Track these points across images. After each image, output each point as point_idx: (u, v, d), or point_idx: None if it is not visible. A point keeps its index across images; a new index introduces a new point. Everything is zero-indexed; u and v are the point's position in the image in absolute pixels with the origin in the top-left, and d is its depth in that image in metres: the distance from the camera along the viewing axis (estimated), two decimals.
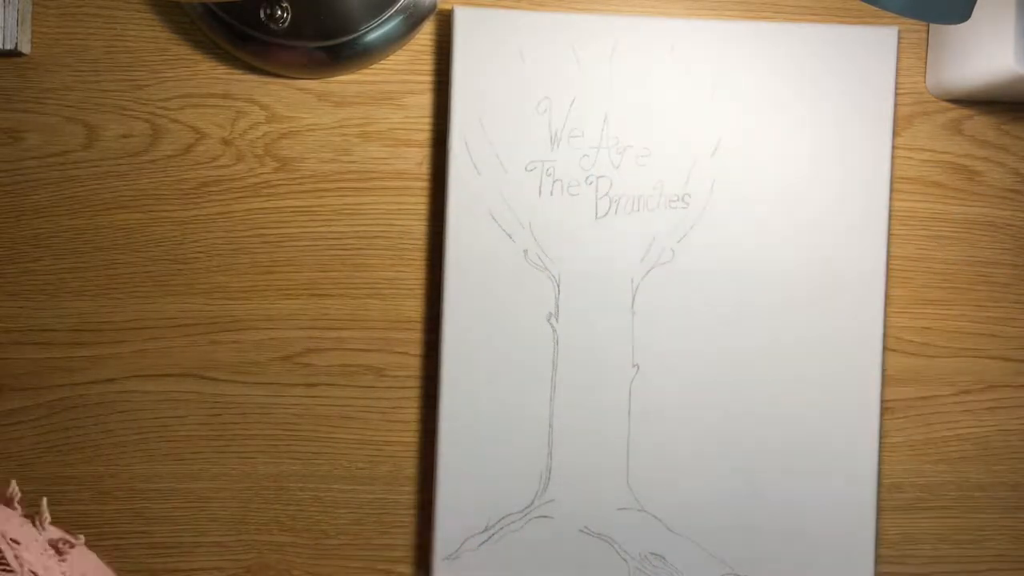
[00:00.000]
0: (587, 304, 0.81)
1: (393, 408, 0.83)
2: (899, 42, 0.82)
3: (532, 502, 0.81)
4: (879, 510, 0.83)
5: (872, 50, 0.82)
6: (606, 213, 0.81)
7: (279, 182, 0.82)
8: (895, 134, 0.84)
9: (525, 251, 0.80)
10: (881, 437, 0.84)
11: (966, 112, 0.85)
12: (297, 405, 0.83)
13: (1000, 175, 0.85)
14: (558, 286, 0.81)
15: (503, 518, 0.81)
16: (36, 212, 0.82)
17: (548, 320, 0.81)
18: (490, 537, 0.80)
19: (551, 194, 0.81)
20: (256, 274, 0.82)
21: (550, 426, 0.81)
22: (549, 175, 0.81)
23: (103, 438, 0.82)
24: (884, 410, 0.85)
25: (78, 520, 0.82)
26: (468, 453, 0.80)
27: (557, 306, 0.81)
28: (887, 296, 0.84)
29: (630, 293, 0.81)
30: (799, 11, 0.84)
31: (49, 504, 0.82)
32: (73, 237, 0.82)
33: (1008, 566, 0.85)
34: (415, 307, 0.83)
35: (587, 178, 0.81)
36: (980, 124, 0.85)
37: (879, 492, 0.82)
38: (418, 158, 0.83)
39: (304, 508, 0.83)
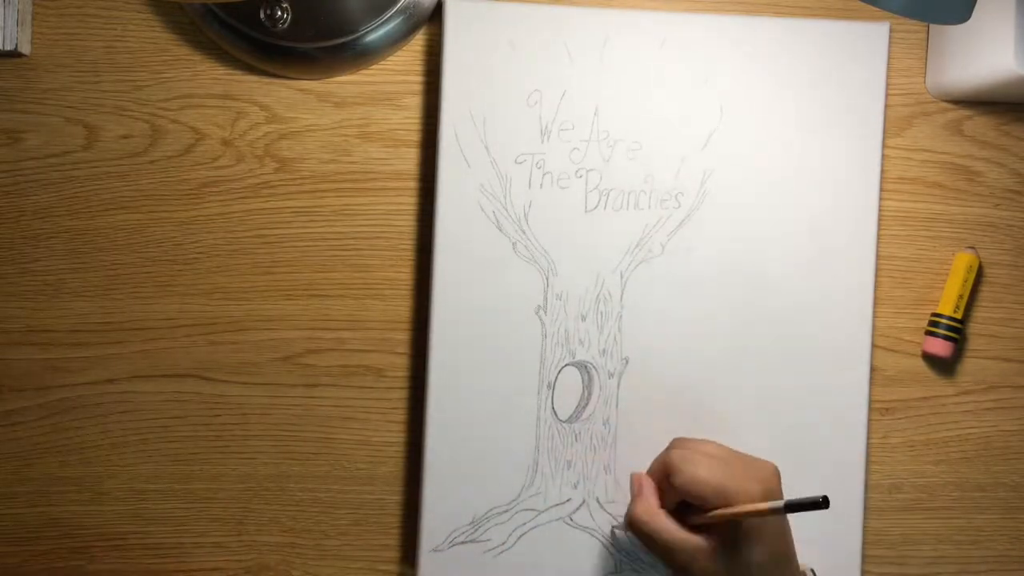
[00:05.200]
0: (576, 297, 0.81)
1: (393, 408, 0.83)
2: (891, 37, 0.82)
3: (519, 495, 0.81)
4: (867, 507, 0.83)
5: (864, 46, 0.82)
6: (596, 206, 0.81)
7: (279, 183, 0.82)
8: (894, 134, 0.85)
9: (514, 244, 0.81)
10: (871, 437, 0.84)
11: (966, 112, 0.85)
12: (297, 406, 0.83)
13: (1000, 175, 0.85)
14: (547, 279, 0.81)
15: (489, 511, 0.81)
16: (36, 212, 0.82)
17: (536, 313, 0.81)
18: (476, 530, 0.81)
19: (541, 187, 0.81)
20: (256, 275, 0.83)
21: (538, 419, 0.81)
22: (539, 168, 0.81)
23: (103, 438, 0.82)
24: (884, 410, 0.85)
25: (78, 520, 0.82)
26: (455, 446, 0.80)
27: (545, 299, 0.81)
28: (878, 297, 0.84)
29: (619, 287, 0.81)
30: (791, 6, 0.84)
31: (49, 504, 0.82)
32: (73, 237, 0.82)
33: (1008, 566, 0.85)
34: (412, 306, 0.83)
35: (577, 171, 0.81)
36: (980, 124, 0.85)
37: (867, 490, 0.82)
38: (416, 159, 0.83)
39: (304, 508, 0.83)
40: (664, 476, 0.76)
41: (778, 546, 0.73)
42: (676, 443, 0.78)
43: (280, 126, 0.82)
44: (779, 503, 0.69)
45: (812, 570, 0.76)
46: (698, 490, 0.73)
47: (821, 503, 0.65)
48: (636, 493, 0.78)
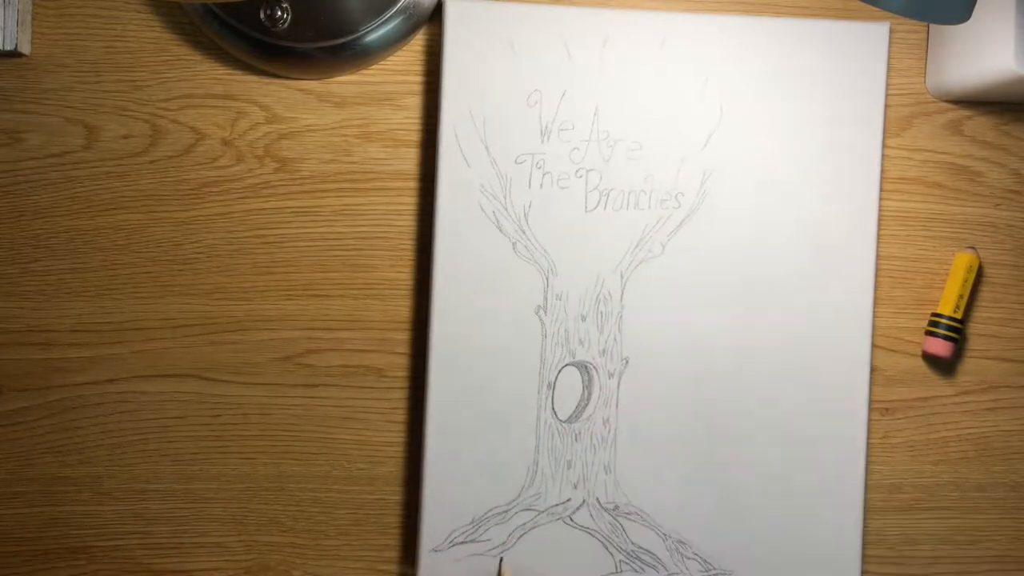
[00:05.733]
0: (576, 297, 0.81)
1: (393, 408, 0.83)
2: (891, 37, 0.82)
3: (519, 495, 0.81)
4: (867, 507, 0.83)
5: (864, 46, 0.82)
6: (596, 206, 0.81)
7: (279, 183, 0.82)
8: (894, 134, 0.85)
9: (514, 244, 0.81)
10: (871, 437, 0.84)
11: (966, 112, 0.85)
12: (297, 406, 0.83)
13: (1000, 175, 0.85)
14: (547, 279, 0.81)
15: (489, 511, 0.81)
16: (36, 213, 0.82)
17: (536, 313, 0.81)
18: (476, 530, 0.81)
19: (541, 187, 0.81)
20: (256, 275, 0.83)
21: (538, 419, 0.81)
22: (539, 168, 0.81)
23: (103, 438, 0.82)
24: (884, 410, 0.85)
25: (78, 520, 0.82)
26: (455, 446, 0.80)
27: (545, 299, 0.81)
28: (878, 297, 0.84)
29: (619, 287, 0.81)
30: (791, 6, 0.84)
31: (49, 504, 0.82)
32: (73, 237, 0.82)
33: (1008, 567, 0.85)
34: (412, 306, 0.83)
35: (577, 171, 0.81)
36: (980, 124, 0.85)
37: (867, 490, 0.83)
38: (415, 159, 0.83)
39: (304, 508, 0.83)
40: None
41: None
42: None
43: (280, 126, 0.82)
44: None
45: None
46: None
47: None
48: None
